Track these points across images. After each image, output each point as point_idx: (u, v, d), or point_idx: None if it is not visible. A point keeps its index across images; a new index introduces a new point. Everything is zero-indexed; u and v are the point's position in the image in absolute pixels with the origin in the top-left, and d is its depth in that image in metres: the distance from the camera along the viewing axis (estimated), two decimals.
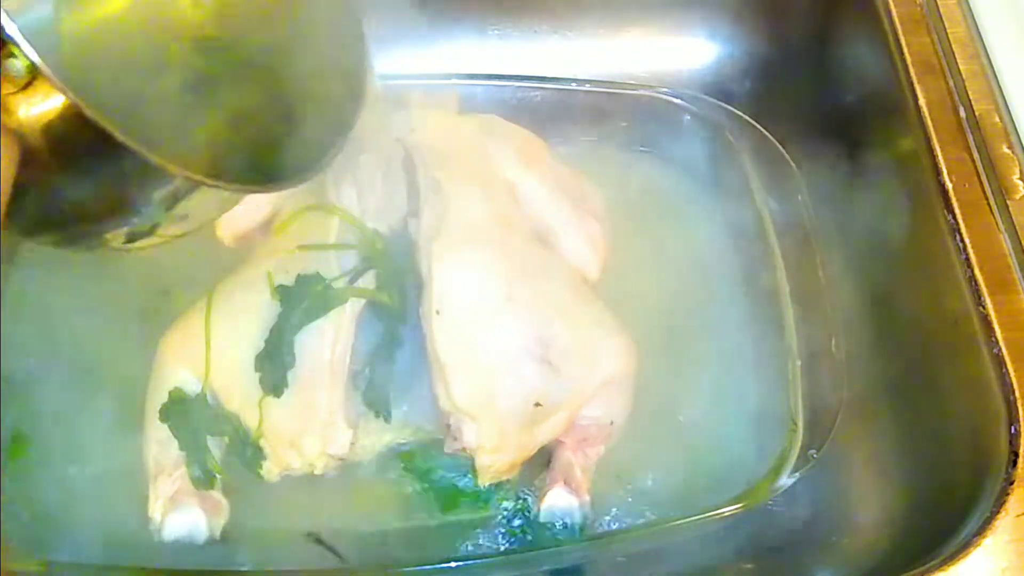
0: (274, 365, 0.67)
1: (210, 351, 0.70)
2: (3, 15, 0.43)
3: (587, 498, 0.72)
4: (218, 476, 0.70)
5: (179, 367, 0.71)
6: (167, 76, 0.54)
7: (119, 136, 0.44)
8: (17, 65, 0.44)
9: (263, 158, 0.56)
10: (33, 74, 0.44)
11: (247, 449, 0.68)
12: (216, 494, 0.70)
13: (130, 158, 0.45)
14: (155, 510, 0.68)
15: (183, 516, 0.68)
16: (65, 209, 0.51)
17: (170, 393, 0.70)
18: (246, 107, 0.57)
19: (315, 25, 0.59)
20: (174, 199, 0.50)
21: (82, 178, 0.49)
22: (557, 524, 0.71)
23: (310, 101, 0.58)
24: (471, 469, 0.70)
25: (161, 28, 0.55)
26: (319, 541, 0.72)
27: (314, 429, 0.67)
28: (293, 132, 0.57)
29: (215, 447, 0.70)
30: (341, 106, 0.59)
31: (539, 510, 0.71)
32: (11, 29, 0.43)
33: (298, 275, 0.69)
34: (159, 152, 0.45)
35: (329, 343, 0.68)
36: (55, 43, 0.49)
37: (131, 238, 0.54)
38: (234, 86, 0.57)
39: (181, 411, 0.69)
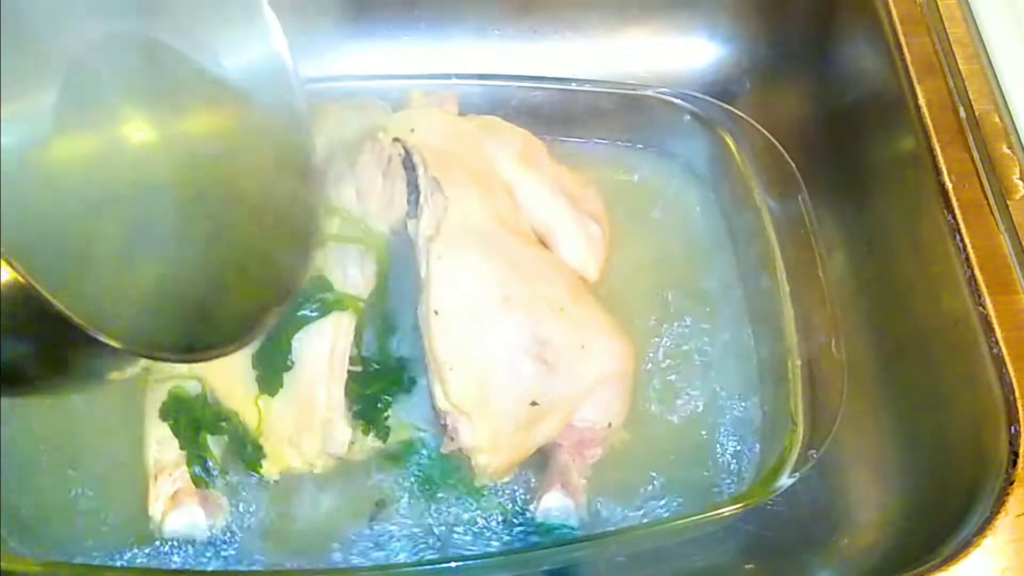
0: (271, 364, 0.67)
1: None
2: None
3: (584, 500, 0.72)
4: (218, 475, 0.70)
5: (180, 366, 0.71)
6: (112, 233, 0.51)
7: (64, 311, 0.40)
8: None
9: (204, 321, 0.52)
10: None
11: (247, 447, 0.68)
12: (216, 493, 0.70)
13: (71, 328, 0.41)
14: (155, 508, 0.69)
15: (183, 514, 0.68)
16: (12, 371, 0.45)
17: (170, 392, 0.70)
18: (189, 271, 0.53)
19: (267, 186, 0.56)
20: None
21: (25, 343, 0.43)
22: (554, 527, 0.71)
23: (254, 265, 0.55)
24: (468, 470, 0.70)
25: (110, 184, 0.52)
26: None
27: (313, 427, 0.67)
28: (235, 297, 0.53)
29: (215, 446, 0.71)
30: (284, 272, 0.55)
31: (536, 513, 0.71)
32: None
33: None
34: (98, 318, 0.41)
35: (328, 342, 0.68)
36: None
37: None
38: (179, 247, 0.53)
39: (181, 410, 0.69)
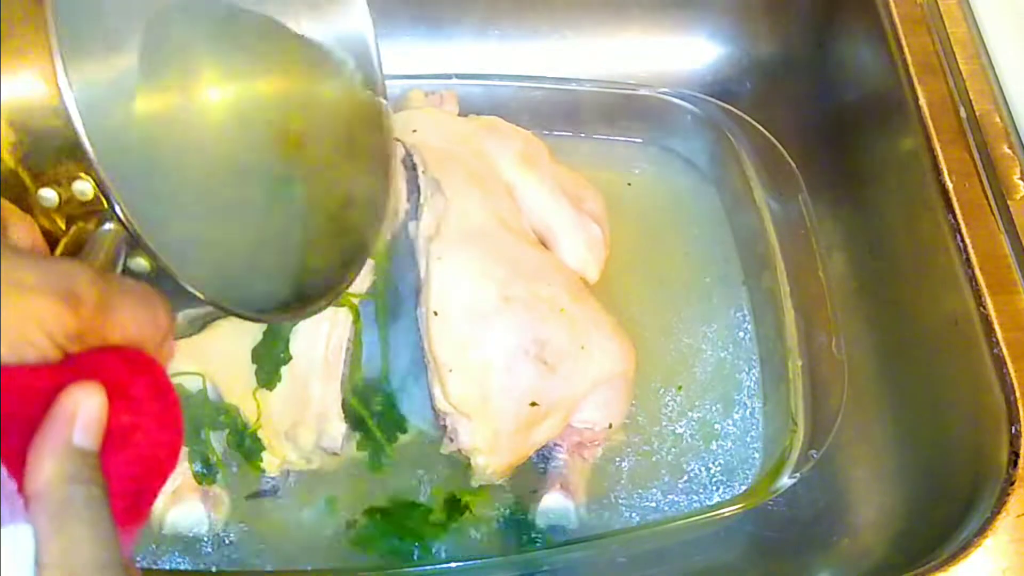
0: (269, 358, 0.67)
1: (212, 347, 0.70)
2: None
3: (584, 501, 0.72)
4: (219, 471, 0.70)
5: (181, 362, 0.71)
6: (196, 191, 0.53)
7: (167, 265, 0.42)
8: (85, 188, 0.40)
9: (283, 285, 0.54)
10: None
11: (245, 441, 0.69)
12: (218, 489, 0.70)
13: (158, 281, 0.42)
14: (155, 504, 0.68)
15: (184, 510, 0.68)
16: None
17: None
18: (273, 232, 0.55)
19: (353, 155, 0.58)
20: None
21: None
22: (554, 527, 0.72)
23: (334, 229, 0.57)
24: (468, 470, 0.70)
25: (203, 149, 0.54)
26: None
27: (308, 421, 0.67)
28: (315, 259, 0.56)
29: (217, 443, 0.71)
30: (360, 235, 0.58)
31: (535, 514, 0.71)
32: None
33: None
34: (189, 276, 0.43)
35: (324, 336, 0.68)
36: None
37: None
38: (266, 209, 0.55)
39: (182, 407, 0.69)
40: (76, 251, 0.41)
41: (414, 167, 0.76)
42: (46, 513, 0.32)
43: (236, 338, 0.69)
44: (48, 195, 0.41)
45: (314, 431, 0.68)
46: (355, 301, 0.70)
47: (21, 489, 0.33)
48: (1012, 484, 0.61)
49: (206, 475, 0.70)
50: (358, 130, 0.59)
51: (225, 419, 0.69)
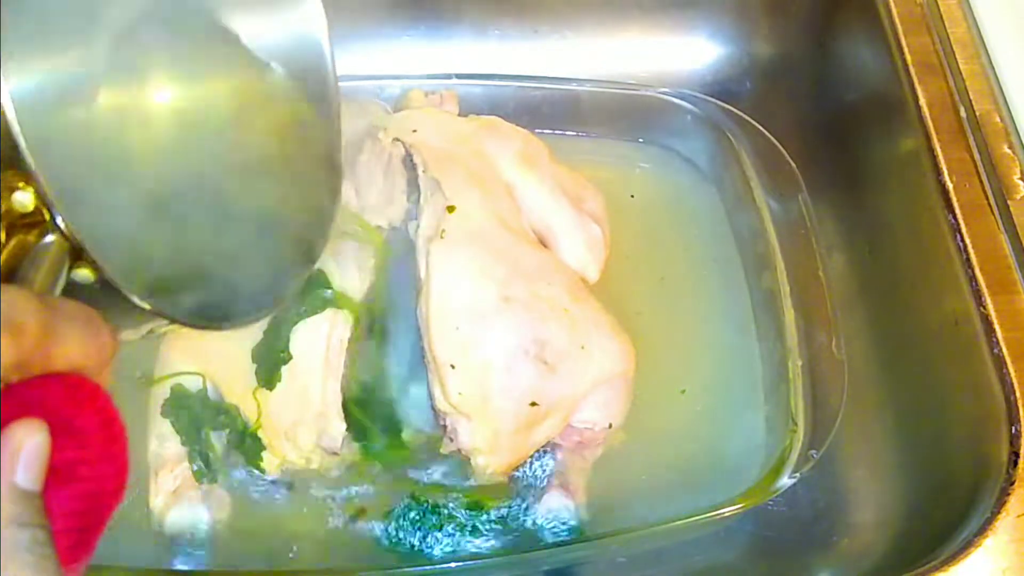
0: (270, 357, 0.68)
1: (212, 347, 0.70)
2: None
3: (584, 501, 0.72)
4: (220, 471, 0.70)
5: (181, 362, 0.71)
6: (138, 196, 0.51)
7: (112, 276, 0.40)
8: (25, 199, 0.38)
9: (229, 294, 0.53)
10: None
11: (246, 440, 0.69)
12: (218, 488, 0.70)
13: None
14: (156, 504, 0.69)
15: (185, 510, 0.68)
16: None
17: (172, 389, 0.70)
18: (220, 242, 0.54)
19: (302, 163, 0.57)
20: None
21: None
22: (554, 527, 0.72)
23: (282, 237, 0.56)
24: (468, 470, 0.70)
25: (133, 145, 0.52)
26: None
27: (308, 420, 0.68)
28: (261, 268, 0.55)
29: (217, 442, 0.71)
30: (308, 243, 0.57)
31: (536, 513, 0.71)
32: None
33: None
34: (134, 287, 0.42)
35: (324, 336, 0.68)
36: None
37: None
38: (212, 219, 0.54)
39: (182, 406, 0.70)
40: (17, 263, 0.39)
41: (414, 167, 0.76)
42: None
43: (236, 338, 0.69)
44: None
45: (314, 431, 0.68)
46: (355, 302, 0.70)
47: None
48: (1012, 484, 0.62)
49: (206, 474, 0.70)
50: (306, 137, 0.58)
51: (225, 419, 0.69)
